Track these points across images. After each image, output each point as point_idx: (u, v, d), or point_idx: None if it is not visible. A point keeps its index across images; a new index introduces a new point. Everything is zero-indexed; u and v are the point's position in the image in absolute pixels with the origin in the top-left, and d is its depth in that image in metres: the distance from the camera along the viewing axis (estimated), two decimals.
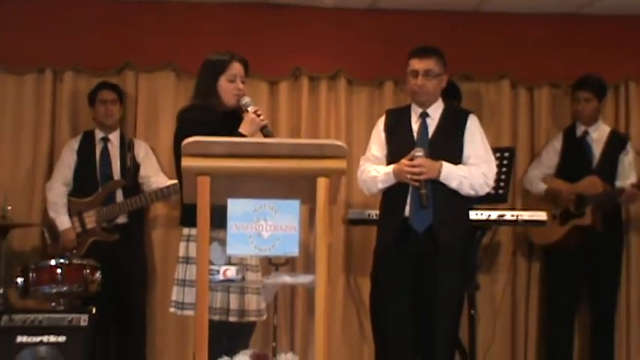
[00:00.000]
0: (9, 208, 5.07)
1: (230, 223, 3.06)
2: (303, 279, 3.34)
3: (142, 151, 5.46)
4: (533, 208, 5.43)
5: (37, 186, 5.52)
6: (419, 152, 4.32)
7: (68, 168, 5.36)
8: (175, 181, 4.67)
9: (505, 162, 5.35)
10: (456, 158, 4.40)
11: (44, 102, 5.62)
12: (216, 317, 3.89)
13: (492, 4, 5.73)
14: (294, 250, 3.10)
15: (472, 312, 5.22)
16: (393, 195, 4.42)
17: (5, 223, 5.06)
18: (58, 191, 5.32)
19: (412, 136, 4.46)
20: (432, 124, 4.47)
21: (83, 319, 4.74)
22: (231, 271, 3.28)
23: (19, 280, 4.93)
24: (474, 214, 4.92)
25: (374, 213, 4.96)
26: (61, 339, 4.67)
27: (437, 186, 4.33)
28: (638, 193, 5.33)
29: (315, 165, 3.06)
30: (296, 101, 5.81)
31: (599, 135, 5.56)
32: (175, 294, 4.08)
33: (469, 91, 5.80)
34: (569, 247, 5.42)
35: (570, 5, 5.78)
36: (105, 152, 5.42)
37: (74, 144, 5.43)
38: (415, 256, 4.36)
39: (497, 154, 5.06)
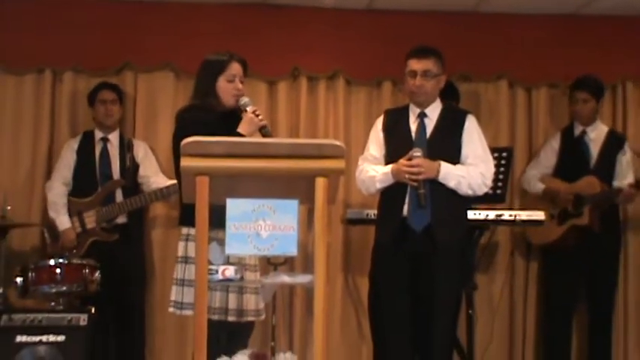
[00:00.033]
0: (8, 208, 5.07)
1: (229, 223, 3.06)
2: (302, 279, 3.34)
3: (141, 151, 5.47)
4: (531, 208, 5.44)
5: (37, 186, 5.53)
6: (417, 152, 4.32)
7: (68, 168, 5.37)
8: (175, 181, 4.68)
9: (503, 162, 5.35)
10: (454, 158, 4.40)
11: (44, 102, 5.63)
12: (215, 317, 3.89)
13: (490, 4, 5.75)
14: (292, 250, 3.10)
15: (470, 312, 5.23)
16: (392, 195, 4.43)
17: (5, 223, 5.07)
18: (57, 191, 5.33)
19: (410, 136, 4.46)
20: (430, 124, 4.47)
21: (82, 319, 4.75)
22: (230, 271, 3.29)
23: (19, 279, 4.93)
24: (472, 214, 4.93)
25: (372, 213, 4.96)
26: (61, 338, 4.67)
27: (435, 186, 4.33)
28: (636, 192, 5.35)
29: (314, 165, 3.07)
30: (294, 101, 5.81)
31: (596, 135, 5.57)
32: (174, 294, 4.08)
33: (467, 92, 5.81)
34: (567, 247, 5.43)
35: (568, 6, 5.79)
36: (104, 152, 5.43)
37: (74, 144, 5.44)
38: (413, 256, 4.36)
39: (496, 154, 5.06)
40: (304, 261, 4.99)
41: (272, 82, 5.80)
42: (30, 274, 4.93)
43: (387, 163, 4.46)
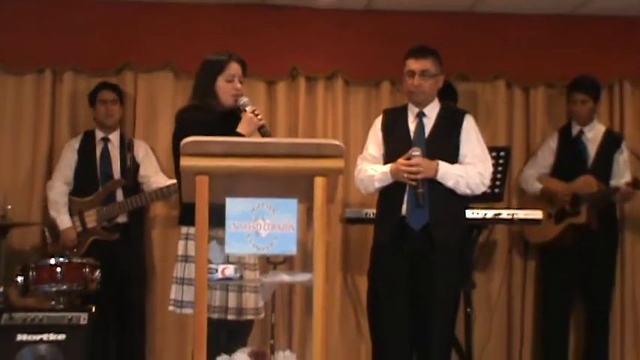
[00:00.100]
0: (9, 207, 5.08)
1: (228, 222, 3.07)
2: (301, 277, 3.34)
3: (141, 151, 5.49)
4: (528, 207, 5.47)
5: (37, 185, 5.54)
6: (416, 152, 4.34)
7: (69, 167, 5.39)
8: (175, 181, 4.70)
9: (501, 161, 5.37)
10: (453, 157, 4.42)
11: (44, 102, 5.64)
12: (215, 315, 3.90)
13: (487, 4, 5.76)
14: (291, 249, 3.12)
15: (468, 310, 5.26)
16: (390, 194, 4.45)
17: (5, 222, 5.08)
18: (58, 190, 5.34)
19: (409, 135, 4.48)
20: (429, 123, 4.49)
21: (83, 318, 4.75)
22: (230, 270, 3.29)
23: (19, 278, 4.95)
24: (470, 213, 4.94)
25: (371, 212, 4.98)
26: (61, 337, 4.67)
27: (433, 185, 4.35)
28: (633, 191, 5.37)
29: (313, 164, 3.08)
30: (293, 101, 5.83)
31: (594, 134, 5.59)
32: (174, 292, 4.09)
33: (465, 91, 5.83)
34: (565, 246, 5.44)
35: (565, 6, 5.80)
36: (105, 152, 5.44)
37: (75, 144, 5.45)
38: (412, 254, 4.38)
39: (493, 154, 5.07)
40: (303, 260, 4.96)
41: (271, 82, 5.81)
42: (30, 273, 4.94)
43: (385, 162, 4.47)
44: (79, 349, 4.68)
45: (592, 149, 5.54)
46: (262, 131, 4.03)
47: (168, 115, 5.43)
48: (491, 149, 4.82)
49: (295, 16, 5.80)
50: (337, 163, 3.11)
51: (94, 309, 4.82)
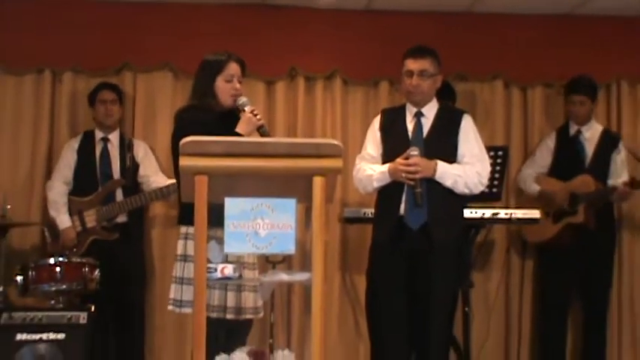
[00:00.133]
0: (8, 207, 5.09)
1: (227, 222, 3.08)
2: (300, 277, 3.34)
3: (141, 150, 5.50)
4: (526, 207, 5.48)
5: (36, 185, 5.55)
6: (414, 151, 4.35)
7: (68, 167, 5.39)
8: (174, 181, 4.71)
9: (499, 161, 5.37)
10: (451, 157, 4.43)
11: (43, 102, 5.65)
12: (214, 314, 3.91)
13: (485, 5, 5.77)
14: (290, 248, 3.12)
15: (466, 309, 5.26)
16: (389, 194, 4.45)
17: (5, 222, 5.08)
18: (58, 190, 5.35)
19: (407, 135, 4.49)
20: (427, 123, 4.50)
21: (82, 317, 4.75)
22: (229, 269, 3.29)
23: (19, 278, 4.95)
24: (468, 213, 4.95)
25: (369, 211, 4.99)
26: (61, 336, 4.68)
27: (432, 185, 4.36)
28: (630, 191, 5.38)
29: (312, 164, 3.08)
30: (292, 101, 5.84)
31: (591, 134, 5.60)
32: (173, 292, 4.09)
33: (463, 91, 5.84)
34: (563, 245, 5.45)
35: (563, 6, 5.82)
36: (105, 152, 5.45)
37: (74, 144, 5.46)
38: (410, 254, 4.39)
39: (491, 153, 5.08)
40: (302, 259, 4.99)
41: (270, 81, 5.82)
42: (30, 272, 4.95)
43: (384, 162, 4.48)
44: (78, 348, 4.69)
45: (590, 149, 5.56)
46: (261, 131, 4.03)
47: (167, 115, 5.44)
48: (489, 149, 4.84)
49: (294, 16, 5.81)
50: (336, 163, 3.12)
51: (93, 308, 4.82)
